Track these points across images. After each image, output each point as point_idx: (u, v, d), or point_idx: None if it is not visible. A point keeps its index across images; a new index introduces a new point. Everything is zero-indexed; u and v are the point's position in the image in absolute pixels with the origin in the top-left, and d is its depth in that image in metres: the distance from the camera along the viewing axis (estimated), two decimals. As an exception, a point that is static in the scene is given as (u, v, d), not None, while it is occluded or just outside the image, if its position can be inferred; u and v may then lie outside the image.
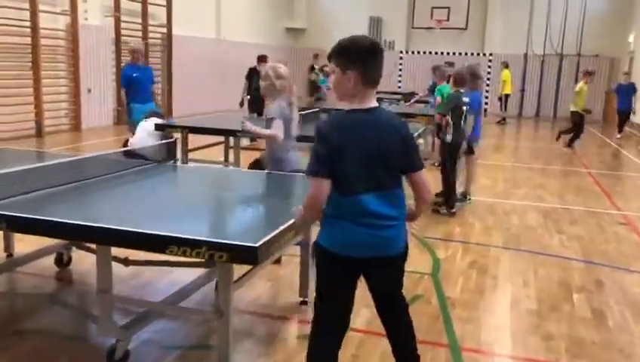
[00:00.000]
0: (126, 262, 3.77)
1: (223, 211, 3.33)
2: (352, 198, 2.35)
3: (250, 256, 2.39)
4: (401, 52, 21.31)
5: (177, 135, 6.75)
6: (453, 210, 6.41)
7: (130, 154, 5.34)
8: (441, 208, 6.42)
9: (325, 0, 22.16)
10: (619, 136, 14.42)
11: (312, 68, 15.03)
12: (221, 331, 2.79)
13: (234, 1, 17.87)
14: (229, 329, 2.75)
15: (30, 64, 11.01)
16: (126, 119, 7.85)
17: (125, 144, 5.93)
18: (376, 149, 2.35)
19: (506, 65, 17.73)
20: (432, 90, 11.30)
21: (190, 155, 7.01)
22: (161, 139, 5.94)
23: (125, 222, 2.65)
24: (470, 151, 6.91)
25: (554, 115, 20.15)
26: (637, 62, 17.02)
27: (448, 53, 19.35)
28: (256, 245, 2.37)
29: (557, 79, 20.11)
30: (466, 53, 19.49)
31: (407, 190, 2.51)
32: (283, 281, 4.28)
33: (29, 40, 10.91)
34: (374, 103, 2.42)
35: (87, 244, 3.88)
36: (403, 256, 2.54)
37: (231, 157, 7.60)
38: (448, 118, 6.35)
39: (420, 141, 9.29)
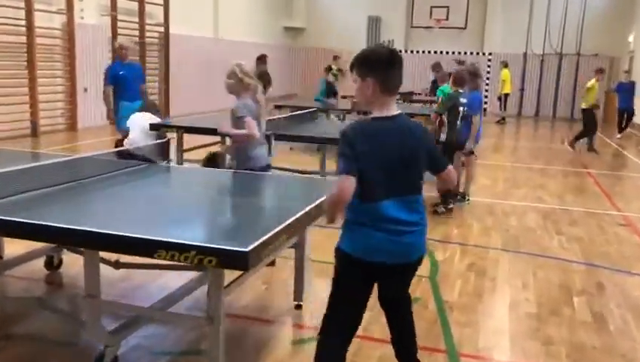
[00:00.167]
0: (116, 264, 3.70)
1: (214, 213, 3.25)
2: (373, 205, 2.41)
3: (240, 262, 2.32)
4: (400, 51, 20.90)
5: (173, 135, 6.69)
6: (450, 206, 6.36)
7: (124, 155, 5.27)
8: (438, 207, 6.36)
9: (324, -1, 22.09)
10: (619, 136, 14.33)
11: (330, 68, 14.89)
12: (212, 337, 2.71)
13: (232, 0, 17.79)
14: (220, 335, 2.67)
15: (26, 63, 10.90)
16: (113, 117, 7.65)
17: (117, 145, 5.82)
18: (398, 156, 2.43)
19: (506, 65, 17.66)
20: (433, 88, 11.20)
21: (186, 155, 6.93)
22: (157, 139, 5.87)
23: (113, 225, 2.58)
24: (469, 151, 6.84)
25: (553, 115, 20.08)
26: (637, 61, 16.95)
27: (447, 53, 19.26)
28: (247, 250, 2.30)
29: (556, 78, 20.03)
30: (465, 53, 19.39)
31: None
32: (277, 284, 4.20)
33: (24, 39, 10.80)
34: (395, 111, 2.50)
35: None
36: (420, 260, 2.61)
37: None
38: (444, 117, 6.39)
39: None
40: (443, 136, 6.44)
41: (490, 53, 20.05)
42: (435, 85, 11.28)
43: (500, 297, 4.25)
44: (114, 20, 12.97)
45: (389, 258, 2.46)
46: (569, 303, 4.12)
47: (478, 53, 19.88)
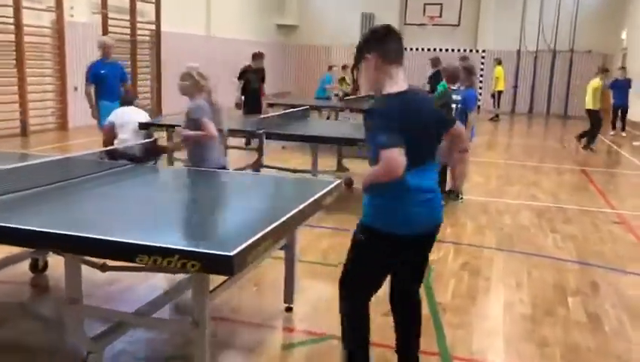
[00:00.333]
0: (103, 267, 3.61)
1: (201, 215, 3.17)
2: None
3: (225, 266, 2.24)
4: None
5: (162, 134, 6.60)
6: (442, 204, 6.28)
7: (112, 155, 5.19)
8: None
9: (317, -4, 21.98)
10: (612, 133, 14.30)
11: (343, 79, 15.16)
12: (198, 342, 2.63)
13: (224, -2, 17.66)
14: (206, 340, 2.60)
15: (14, 62, 10.77)
16: (97, 115, 7.52)
17: (105, 144, 5.74)
18: (422, 126, 2.51)
19: (499, 62, 17.62)
20: (431, 83, 11.03)
21: (176, 154, 6.83)
22: (145, 138, 5.79)
23: (96, 229, 2.49)
24: (463, 148, 6.77)
25: (547, 112, 20.07)
26: (630, 58, 16.94)
27: (441, 50, 19.19)
28: (232, 254, 2.22)
29: (550, 75, 20.02)
30: (459, 50, 19.34)
31: None
32: (267, 286, 4.12)
33: (12, 37, 10.67)
34: (406, 85, 2.56)
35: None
36: (438, 228, 2.73)
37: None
38: None
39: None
40: None
41: (483, 51, 20.03)
42: (433, 80, 11.13)
43: (494, 298, 4.19)
44: (105, 18, 12.84)
45: (416, 227, 2.55)
46: (564, 303, 4.06)
47: (471, 51, 19.84)
